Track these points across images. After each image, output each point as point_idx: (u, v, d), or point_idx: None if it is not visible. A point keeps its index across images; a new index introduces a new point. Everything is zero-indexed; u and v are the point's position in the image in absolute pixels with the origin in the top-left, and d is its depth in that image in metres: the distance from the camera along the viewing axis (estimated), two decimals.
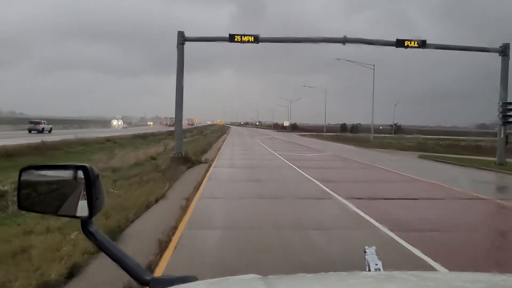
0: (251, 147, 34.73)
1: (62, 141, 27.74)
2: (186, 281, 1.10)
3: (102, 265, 4.75)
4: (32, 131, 45.36)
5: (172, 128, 33.11)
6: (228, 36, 19.09)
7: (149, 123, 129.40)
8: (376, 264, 1.37)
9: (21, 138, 28.32)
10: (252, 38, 19.22)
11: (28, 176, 1.30)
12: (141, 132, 53.95)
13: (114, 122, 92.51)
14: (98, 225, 1.28)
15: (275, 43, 20.75)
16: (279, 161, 21.23)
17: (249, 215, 8.65)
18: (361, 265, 1.41)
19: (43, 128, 47.56)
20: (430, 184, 13.85)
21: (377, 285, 1.13)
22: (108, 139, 39.63)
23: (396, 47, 19.45)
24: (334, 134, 72.21)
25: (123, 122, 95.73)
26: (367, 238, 6.71)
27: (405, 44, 19.35)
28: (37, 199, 1.30)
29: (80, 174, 1.18)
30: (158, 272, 4.83)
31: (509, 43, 20.51)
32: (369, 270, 1.36)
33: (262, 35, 19.34)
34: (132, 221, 7.33)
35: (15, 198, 2.03)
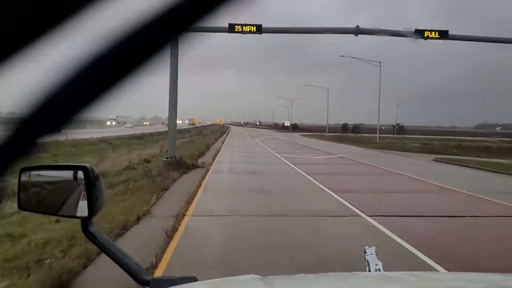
0: (252, 148, 32.55)
1: (51, 142, 25.80)
2: (186, 282, 1.13)
3: None
4: None
5: None
6: (227, 26, 17.11)
7: (145, 123, 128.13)
8: (376, 265, 1.35)
9: None
10: (255, 28, 17.18)
11: (27, 177, 1.27)
12: (139, 132, 52.17)
13: (108, 122, 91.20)
14: None
15: (278, 40, 18.77)
16: (284, 165, 19.15)
17: (256, 243, 6.54)
18: None
19: None
20: (469, 195, 11.62)
21: (377, 285, 1.16)
22: (101, 140, 37.91)
23: (415, 38, 17.46)
24: (337, 134, 70.76)
25: (130, 122, 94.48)
26: None
27: (425, 35, 17.35)
28: (37, 199, 1.30)
29: (81, 174, 1.18)
30: None
31: None
32: (369, 270, 1.34)
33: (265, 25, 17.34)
34: (92, 260, 5.15)
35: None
